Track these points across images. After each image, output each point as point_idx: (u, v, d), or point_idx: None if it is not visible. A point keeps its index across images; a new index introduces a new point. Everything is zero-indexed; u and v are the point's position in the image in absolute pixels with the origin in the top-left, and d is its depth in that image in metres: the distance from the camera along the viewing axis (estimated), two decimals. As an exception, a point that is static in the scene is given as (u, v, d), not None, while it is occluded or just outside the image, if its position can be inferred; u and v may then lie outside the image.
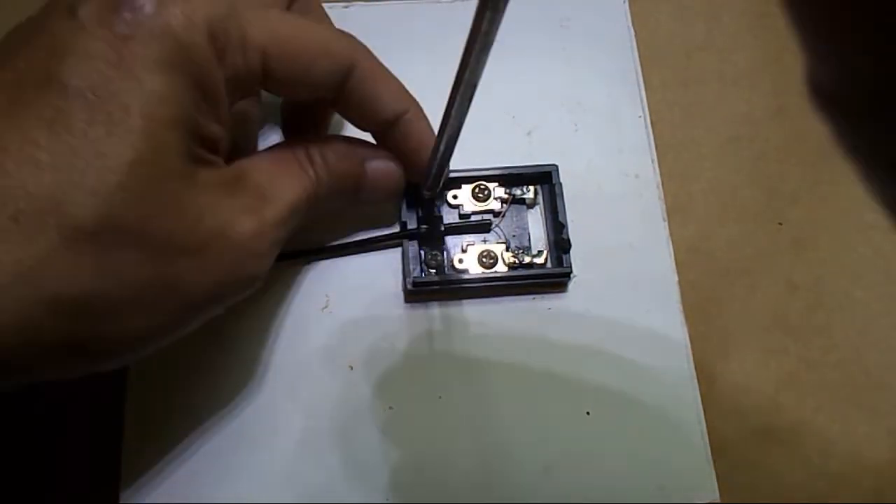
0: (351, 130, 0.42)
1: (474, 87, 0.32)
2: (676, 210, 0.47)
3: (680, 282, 0.45)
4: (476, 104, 0.49)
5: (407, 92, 0.40)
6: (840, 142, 0.22)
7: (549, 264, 0.44)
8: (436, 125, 0.47)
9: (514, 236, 0.45)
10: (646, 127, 0.48)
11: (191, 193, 0.31)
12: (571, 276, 0.44)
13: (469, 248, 0.44)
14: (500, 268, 0.44)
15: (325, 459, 0.41)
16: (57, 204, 0.28)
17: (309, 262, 0.44)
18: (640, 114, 0.48)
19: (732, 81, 0.51)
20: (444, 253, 0.44)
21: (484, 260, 0.44)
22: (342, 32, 0.39)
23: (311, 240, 0.44)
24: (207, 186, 0.32)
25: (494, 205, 0.45)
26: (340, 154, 0.39)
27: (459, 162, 0.46)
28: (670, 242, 0.46)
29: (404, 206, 0.45)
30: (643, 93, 0.49)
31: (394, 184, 0.41)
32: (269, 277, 0.44)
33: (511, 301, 0.44)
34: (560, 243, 0.44)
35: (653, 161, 0.47)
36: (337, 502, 0.40)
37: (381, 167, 0.41)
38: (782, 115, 0.51)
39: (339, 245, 0.44)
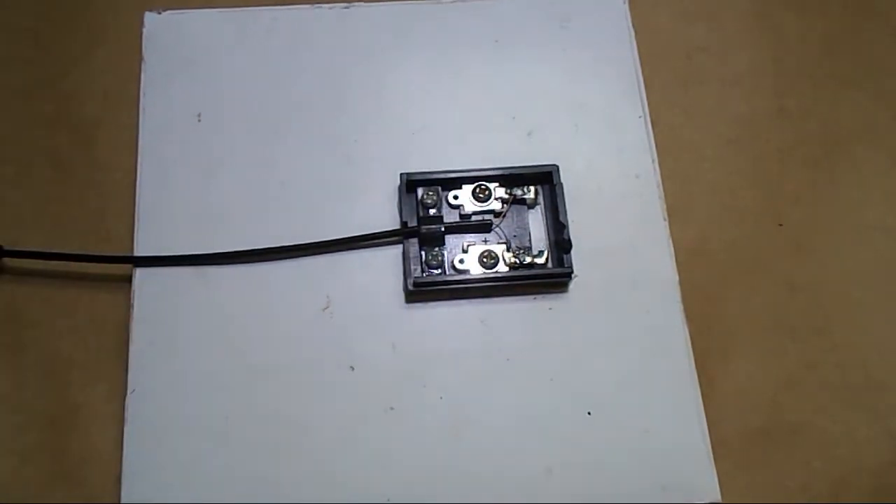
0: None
1: None
2: (677, 210, 0.47)
3: (680, 282, 0.45)
4: (477, 104, 0.49)
5: None
6: None
7: (549, 264, 0.44)
8: (434, 125, 0.48)
9: (514, 236, 0.45)
10: (646, 127, 0.48)
11: None
12: (572, 276, 0.44)
13: (470, 248, 0.44)
14: (501, 268, 0.44)
15: (325, 460, 0.41)
16: None
17: (309, 260, 0.44)
18: (640, 114, 0.48)
19: (732, 82, 0.52)
20: (445, 253, 0.44)
21: (485, 260, 0.44)
22: None
23: (310, 235, 0.44)
24: None
25: (495, 205, 0.45)
26: None
27: (460, 162, 0.46)
28: (671, 243, 0.46)
29: (405, 206, 0.45)
30: (643, 93, 0.49)
31: None
32: (271, 278, 0.44)
33: (512, 301, 0.44)
34: (561, 243, 0.44)
35: (653, 161, 0.47)
36: (338, 502, 0.40)
37: None
38: (782, 116, 0.51)
39: (338, 240, 0.44)
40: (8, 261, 0.45)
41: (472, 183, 0.45)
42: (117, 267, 0.44)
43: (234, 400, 0.42)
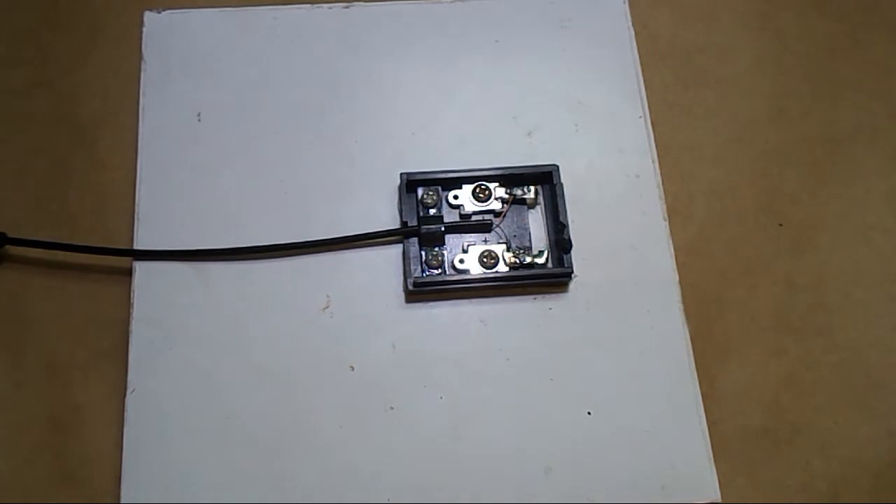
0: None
1: None
2: (677, 210, 0.47)
3: (680, 282, 0.45)
4: (477, 104, 0.49)
5: None
6: None
7: (549, 264, 0.44)
8: (434, 125, 0.48)
9: (514, 236, 0.45)
10: (646, 127, 0.48)
11: None
12: (572, 276, 0.44)
13: (470, 248, 0.44)
14: (501, 268, 0.44)
15: (325, 459, 0.41)
16: None
17: (309, 259, 0.44)
18: (641, 114, 0.48)
19: (732, 82, 0.52)
20: (445, 253, 0.44)
21: (485, 260, 0.44)
22: None
23: (310, 235, 0.44)
24: None
25: (495, 205, 0.45)
26: None
27: (460, 162, 0.46)
28: (671, 243, 0.46)
29: (405, 205, 0.45)
30: (643, 93, 0.49)
31: None
32: (271, 277, 0.44)
33: (512, 301, 0.44)
34: (561, 243, 0.44)
35: (653, 161, 0.47)
36: (338, 502, 0.40)
37: None
38: (782, 116, 0.51)
39: (338, 239, 0.44)
40: (11, 250, 0.45)
41: (472, 183, 0.45)
42: (118, 261, 0.44)
43: (234, 400, 0.42)
